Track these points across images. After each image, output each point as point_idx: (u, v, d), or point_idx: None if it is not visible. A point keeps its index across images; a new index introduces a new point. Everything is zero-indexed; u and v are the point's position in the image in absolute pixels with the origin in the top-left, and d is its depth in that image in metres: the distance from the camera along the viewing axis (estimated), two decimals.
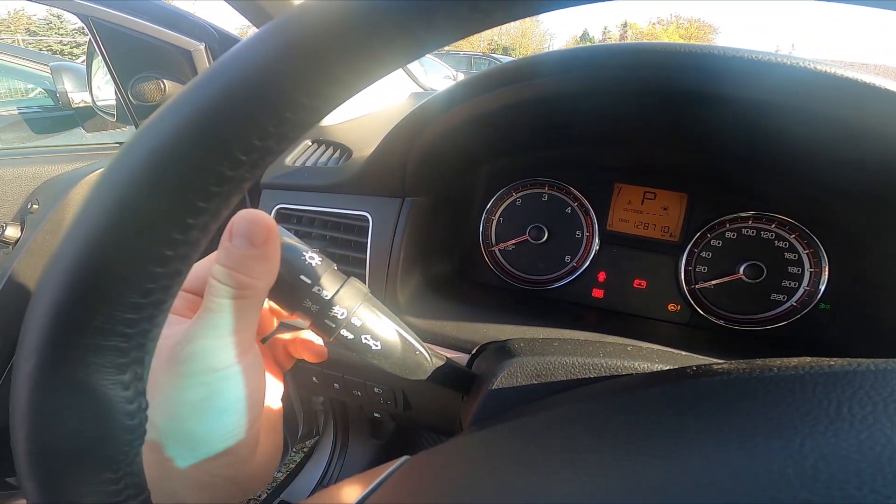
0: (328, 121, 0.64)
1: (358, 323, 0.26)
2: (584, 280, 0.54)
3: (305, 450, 1.12)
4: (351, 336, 0.26)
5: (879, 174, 0.36)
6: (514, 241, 0.55)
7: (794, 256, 0.48)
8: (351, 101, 0.54)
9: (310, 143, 0.59)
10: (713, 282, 0.50)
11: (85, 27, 0.61)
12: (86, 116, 0.90)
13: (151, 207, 0.13)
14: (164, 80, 0.61)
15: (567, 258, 0.54)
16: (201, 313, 0.21)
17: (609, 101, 0.38)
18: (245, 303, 0.21)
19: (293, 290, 0.24)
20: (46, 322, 0.15)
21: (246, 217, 0.21)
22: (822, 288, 0.47)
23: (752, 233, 0.49)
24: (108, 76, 0.88)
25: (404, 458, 0.26)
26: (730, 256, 0.50)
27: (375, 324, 0.26)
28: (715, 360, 0.36)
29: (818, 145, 0.36)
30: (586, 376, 0.33)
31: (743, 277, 0.48)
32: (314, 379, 0.57)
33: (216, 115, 0.12)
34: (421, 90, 0.81)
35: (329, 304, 0.25)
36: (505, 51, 33.84)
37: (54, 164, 0.63)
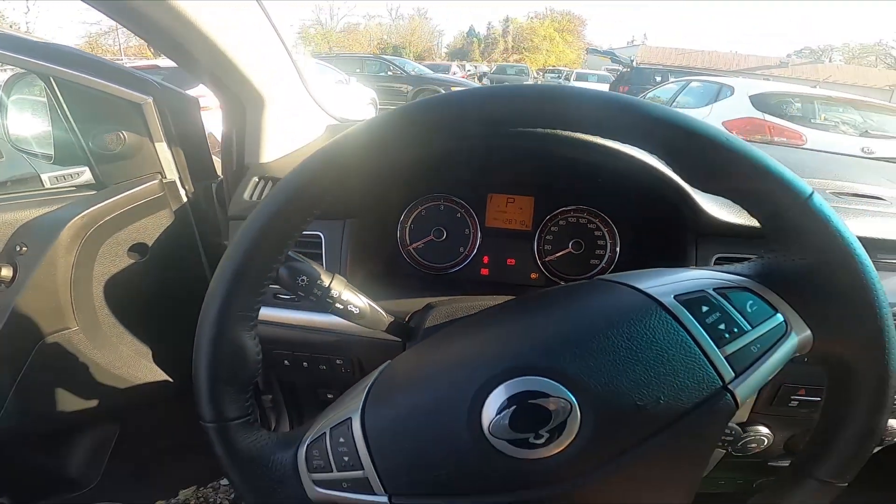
0: (267, 158, 0.81)
1: (345, 298, 0.45)
2: (474, 263, 0.77)
3: None
4: (340, 306, 0.45)
5: (633, 185, 0.63)
6: (422, 241, 0.77)
7: (601, 234, 0.75)
8: (280, 135, 0.72)
9: (257, 180, 0.75)
10: (555, 255, 0.76)
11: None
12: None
13: (266, 243, 0.33)
14: (123, 132, 0.74)
15: (461, 249, 0.77)
16: None
17: (478, 150, 0.61)
18: None
19: (307, 285, 0.44)
20: (219, 298, 0.34)
21: None
22: (618, 251, 0.75)
23: (575, 220, 0.75)
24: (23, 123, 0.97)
25: (386, 363, 0.41)
26: (563, 237, 0.75)
27: (353, 298, 0.46)
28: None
29: (595, 166, 0.62)
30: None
31: (572, 251, 0.74)
32: (286, 362, 0.74)
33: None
34: (336, 122, 0.99)
35: (328, 289, 0.44)
36: (395, 50, 33.93)
37: (26, 210, 0.73)
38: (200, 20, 0.60)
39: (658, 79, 8.66)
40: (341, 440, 0.36)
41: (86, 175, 0.84)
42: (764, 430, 0.68)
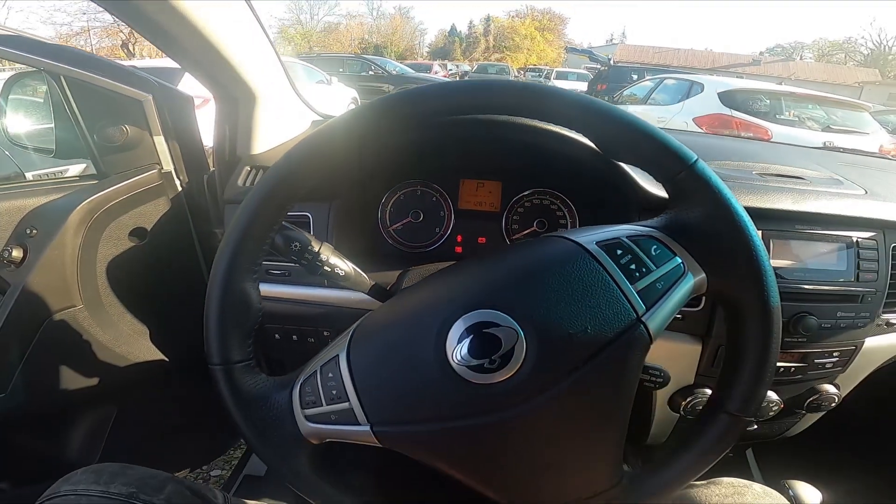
0: (258, 150, 0.88)
1: (332, 262, 0.53)
2: (449, 242, 0.85)
3: None
4: (328, 269, 0.53)
5: (585, 169, 0.71)
6: (401, 223, 0.85)
7: (562, 214, 0.84)
8: (269, 129, 0.80)
9: (249, 169, 0.83)
10: (522, 233, 0.84)
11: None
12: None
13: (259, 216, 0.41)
14: (126, 126, 0.80)
15: (437, 229, 0.85)
16: None
17: (450, 140, 0.70)
18: None
19: (300, 250, 0.51)
20: (228, 254, 0.42)
21: None
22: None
23: (539, 202, 0.84)
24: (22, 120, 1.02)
25: (368, 312, 0.47)
26: (528, 217, 0.84)
27: (339, 263, 0.54)
28: None
29: (553, 152, 0.71)
30: None
31: (536, 229, 0.83)
32: (276, 336, 0.81)
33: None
34: (320, 118, 1.07)
35: (317, 254, 0.52)
36: (377, 49, 33.86)
37: (34, 198, 0.79)
38: (197, 20, 0.67)
39: (634, 77, 8.85)
40: (330, 375, 0.42)
41: (71, 171, 0.90)
42: (709, 391, 0.74)
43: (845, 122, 4.67)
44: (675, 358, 0.73)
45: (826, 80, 21.73)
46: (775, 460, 1.13)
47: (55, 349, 0.81)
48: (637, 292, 0.39)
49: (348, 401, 0.41)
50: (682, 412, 0.76)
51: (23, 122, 1.04)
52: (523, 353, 0.38)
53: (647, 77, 7.01)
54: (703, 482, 0.52)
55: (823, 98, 4.84)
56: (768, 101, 4.70)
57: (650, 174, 0.43)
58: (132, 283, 0.88)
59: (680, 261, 0.41)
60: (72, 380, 0.84)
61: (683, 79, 5.42)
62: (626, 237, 0.42)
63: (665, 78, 5.82)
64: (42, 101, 1.01)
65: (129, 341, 0.89)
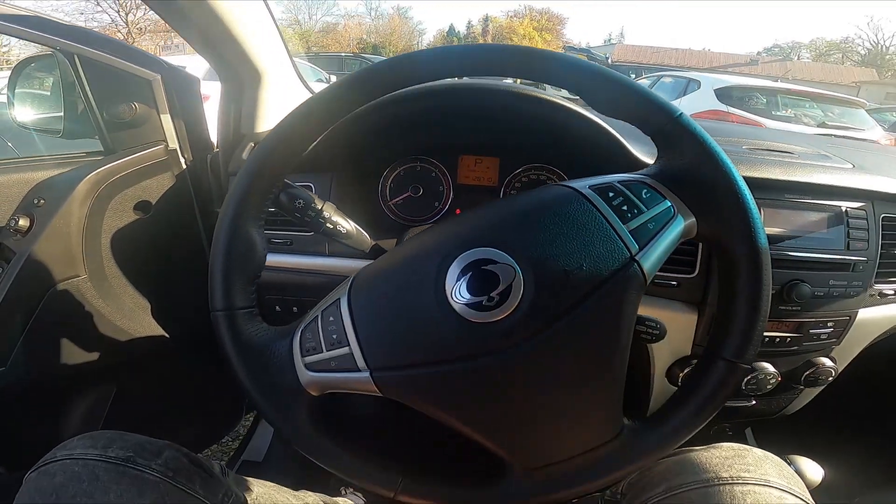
0: (261, 129, 0.90)
1: (334, 219, 0.55)
2: (447, 216, 0.87)
3: (254, 414, 1.27)
4: (331, 226, 0.55)
5: (579, 141, 0.74)
6: (402, 197, 0.87)
7: None
8: (272, 109, 0.83)
9: (253, 145, 0.85)
10: None
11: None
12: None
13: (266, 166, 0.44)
14: (135, 103, 0.82)
15: (436, 204, 0.87)
16: None
17: (451, 115, 0.72)
18: None
19: (303, 207, 0.53)
20: (236, 199, 0.44)
21: None
22: None
23: (536, 176, 0.86)
24: (33, 101, 1.04)
25: (352, 276, 0.47)
26: (525, 190, 0.86)
27: (342, 220, 0.56)
28: None
29: (544, 132, 0.73)
30: None
31: None
32: (277, 308, 0.83)
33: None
34: None
35: (320, 211, 0.54)
36: (375, 49, 33.88)
37: (42, 171, 0.81)
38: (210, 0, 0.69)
39: (632, 76, 8.89)
40: (331, 319, 0.42)
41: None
42: None
43: (841, 118, 4.71)
44: (672, 327, 0.73)
45: (823, 79, 21.80)
46: (775, 439, 1.14)
47: (57, 320, 0.82)
48: (630, 231, 0.41)
49: (348, 345, 0.41)
50: (679, 384, 0.77)
51: (32, 105, 1.05)
52: (521, 290, 0.39)
53: (645, 75, 7.04)
54: (702, 447, 0.53)
55: (819, 95, 4.89)
56: (764, 98, 4.74)
57: (639, 128, 0.45)
58: (135, 256, 0.89)
59: (670, 204, 0.43)
60: (72, 353, 0.85)
61: (680, 76, 5.47)
62: (618, 182, 0.44)
63: (662, 76, 5.86)
64: (49, 93, 1.04)
65: (130, 315, 0.90)
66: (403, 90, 0.46)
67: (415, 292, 0.41)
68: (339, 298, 0.43)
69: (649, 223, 0.42)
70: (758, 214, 0.42)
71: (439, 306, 0.40)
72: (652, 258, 0.41)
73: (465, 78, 0.65)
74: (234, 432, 1.39)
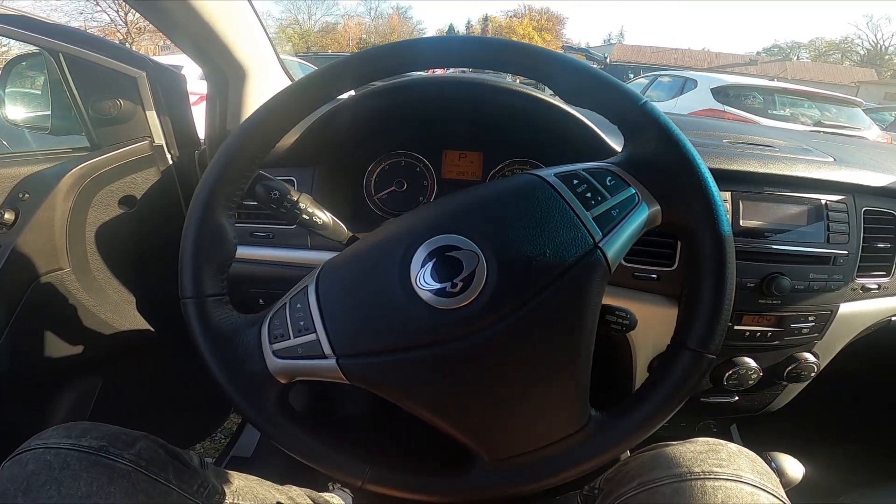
0: None
1: (310, 210, 0.55)
2: None
3: None
4: (307, 217, 0.55)
5: (557, 135, 0.74)
6: (386, 192, 0.87)
7: None
8: (258, 105, 0.82)
9: None
10: None
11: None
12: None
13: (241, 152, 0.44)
14: (120, 100, 0.83)
15: (421, 198, 0.87)
16: None
17: (435, 110, 0.72)
18: None
19: (279, 198, 0.53)
20: (207, 187, 0.44)
21: None
22: None
23: (518, 171, 0.86)
24: (23, 99, 1.05)
25: (321, 265, 0.46)
26: None
27: (318, 212, 0.56)
28: None
29: (526, 126, 0.74)
30: None
31: None
32: (260, 301, 0.83)
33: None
34: None
35: (296, 202, 0.54)
36: None
37: (27, 167, 0.81)
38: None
39: (631, 76, 8.91)
40: (298, 306, 0.43)
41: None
42: None
43: (838, 118, 4.71)
44: (653, 322, 0.73)
45: (822, 79, 21.80)
46: (760, 436, 1.14)
47: (42, 313, 0.82)
48: (593, 219, 0.41)
49: (315, 331, 0.41)
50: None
51: (21, 107, 1.06)
52: (484, 276, 0.40)
53: (643, 74, 7.05)
54: (678, 442, 0.53)
55: (816, 94, 4.89)
56: (761, 97, 4.74)
57: (605, 116, 0.45)
58: (120, 250, 0.90)
59: (634, 191, 0.43)
60: (56, 346, 0.86)
61: (677, 75, 5.47)
62: (583, 170, 0.44)
63: (659, 75, 5.86)
64: (39, 92, 1.04)
65: (115, 308, 0.91)
66: (384, 84, 0.46)
67: (380, 278, 0.42)
68: (307, 286, 0.44)
69: (613, 210, 0.42)
70: (721, 202, 0.43)
71: (404, 292, 0.40)
72: (616, 245, 0.41)
73: (449, 71, 0.66)
74: (226, 430, 1.40)
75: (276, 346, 0.43)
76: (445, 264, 0.40)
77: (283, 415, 0.44)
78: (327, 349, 0.41)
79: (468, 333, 0.40)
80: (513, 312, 0.39)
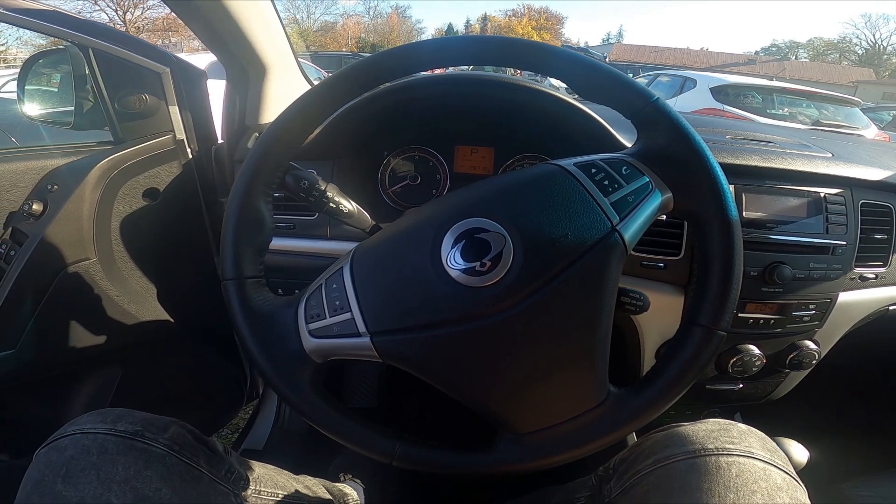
0: (265, 120, 0.94)
1: (337, 199, 0.58)
2: None
3: (255, 404, 1.28)
4: (333, 206, 0.58)
5: (569, 131, 0.77)
6: (401, 185, 0.90)
7: None
8: (277, 101, 0.87)
9: (258, 135, 0.88)
10: None
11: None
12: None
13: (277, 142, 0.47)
14: (146, 95, 0.86)
15: (433, 192, 0.90)
16: None
17: (448, 106, 0.76)
18: None
19: (308, 188, 0.56)
20: (247, 174, 0.47)
21: None
22: None
23: (528, 165, 0.89)
24: (42, 96, 1.07)
25: (353, 247, 0.50)
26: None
27: (344, 200, 0.59)
28: None
29: (536, 121, 0.77)
30: None
31: None
32: (280, 291, 0.86)
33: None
34: None
35: (324, 192, 0.57)
36: (373, 48, 33.87)
37: (55, 159, 0.84)
38: None
39: (630, 75, 8.94)
40: (334, 286, 0.45)
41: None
42: None
43: (836, 117, 4.75)
44: (660, 309, 0.74)
45: (821, 79, 21.88)
46: (763, 424, 1.17)
47: (67, 302, 0.85)
48: (611, 204, 0.44)
49: (350, 310, 0.43)
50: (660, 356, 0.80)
51: (40, 104, 1.08)
52: (511, 256, 0.42)
53: (642, 74, 7.09)
54: (688, 423, 0.55)
55: (814, 93, 4.92)
56: (760, 97, 4.78)
57: (620, 111, 0.49)
58: (143, 241, 0.92)
59: (648, 179, 0.46)
60: (80, 336, 0.88)
61: (677, 75, 5.50)
62: (601, 160, 0.48)
63: (659, 74, 5.89)
64: (56, 89, 1.07)
65: (137, 299, 0.93)
66: (398, 82, 0.49)
67: (412, 259, 0.44)
68: (342, 267, 0.46)
69: (629, 196, 0.45)
70: (728, 189, 0.46)
71: (436, 271, 0.43)
72: (632, 228, 0.44)
73: (461, 69, 0.68)
74: (233, 425, 1.42)
75: (313, 325, 0.45)
76: (474, 245, 0.42)
77: (316, 394, 0.46)
78: (362, 327, 0.43)
79: (497, 311, 0.42)
80: (538, 290, 0.42)
